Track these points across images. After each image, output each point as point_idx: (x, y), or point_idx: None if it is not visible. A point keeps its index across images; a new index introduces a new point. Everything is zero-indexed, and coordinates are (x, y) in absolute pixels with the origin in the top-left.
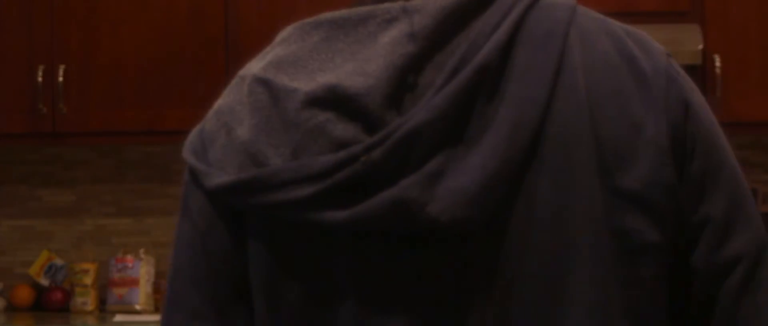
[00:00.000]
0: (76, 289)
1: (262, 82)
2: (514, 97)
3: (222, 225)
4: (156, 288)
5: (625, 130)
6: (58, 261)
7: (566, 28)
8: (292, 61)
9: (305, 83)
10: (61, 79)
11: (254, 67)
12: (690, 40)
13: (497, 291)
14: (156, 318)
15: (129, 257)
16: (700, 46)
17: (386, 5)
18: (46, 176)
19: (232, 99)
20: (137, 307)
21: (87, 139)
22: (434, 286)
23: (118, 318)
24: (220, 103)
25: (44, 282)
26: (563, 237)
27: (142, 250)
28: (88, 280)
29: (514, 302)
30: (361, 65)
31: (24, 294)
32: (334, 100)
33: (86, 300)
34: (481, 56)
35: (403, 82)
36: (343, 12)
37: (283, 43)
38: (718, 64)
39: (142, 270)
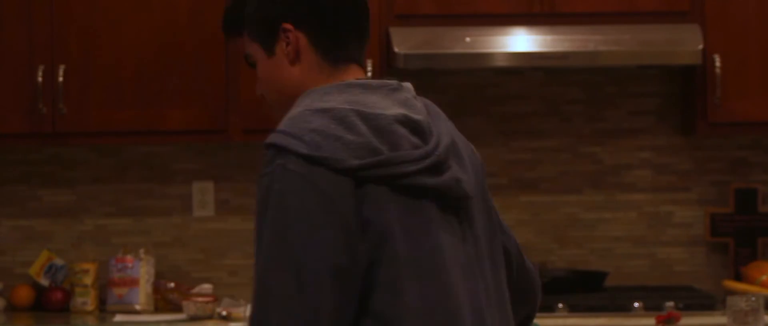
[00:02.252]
0: (76, 289)
1: (351, 111)
2: (459, 136)
3: (349, 192)
4: (156, 288)
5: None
6: (58, 261)
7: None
8: (353, 100)
9: (378, 110)
10: (61, 79)
11: (331, 103)
12: (690, 40)
13: (479, 229)
14: (156, 318)
15: (129, 257)
16: (700, 46)
17: (388, 81)
18: (46, 176)
19: (323, 122)
20: (137, 307)
21: (87, 138)
22: (464, 224)
23: (118, 318)
24: (309, 126)
25: (44, 282)
26: (486, 205)
27: (142, 250)
28: (88, 280)
29: (483, 235)
30: (408, 108)
31: (24, 294)
32: (408, 122)
33: (86, 300)
34: (442, 113)
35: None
36: (364, 80)
37: (331, 94)
38: (718, 64)
39: (142, 270)
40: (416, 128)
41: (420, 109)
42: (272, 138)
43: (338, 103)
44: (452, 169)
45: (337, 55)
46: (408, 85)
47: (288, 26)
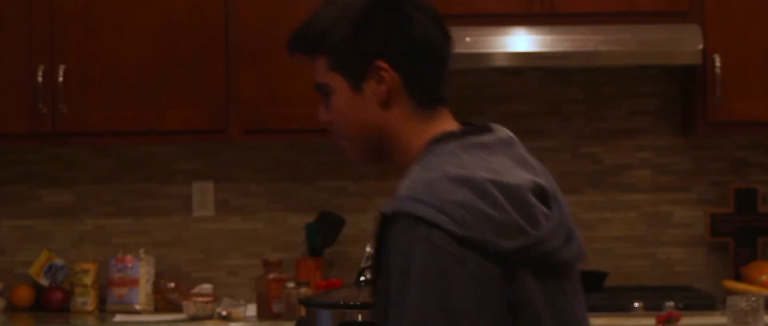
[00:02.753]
0: (76, 289)
1: (490, 182)
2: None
3: (498, 276)
4: (156, 288)
5: None
6: (58, 261)
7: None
8: (486, 167)
9: (512, 179)
10: (61, 79)
11: (467, 171)
12: (690, 40)
13: (579, 286)
14: (156, 318)
15: (129, 257)
16: (700, 46)
17: (499, 135)
18: (46, 176)
19: (465, 194)
20: (137, 307)
21: (87, 138)
22: (577, 283)
23: (118, 318)
24: (451, 198)
25: (44, 282)
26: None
27: (142, 250)
28: (88, 280)
29: (580, 295)
30: (530, 170)
31: (24, 294)
32: (537, 190)
33: (86, 300)
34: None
35: None
36: (478, 138)
37: (460, 156)
38: (718, 64)
39: (142, 270)
40: (543, 195)
41: (536, 166)
42: (408, 205)
43: (473, 169)
44: (575, 235)
45: (430, 100)
46: (512, 134)
47: (383, 65)
